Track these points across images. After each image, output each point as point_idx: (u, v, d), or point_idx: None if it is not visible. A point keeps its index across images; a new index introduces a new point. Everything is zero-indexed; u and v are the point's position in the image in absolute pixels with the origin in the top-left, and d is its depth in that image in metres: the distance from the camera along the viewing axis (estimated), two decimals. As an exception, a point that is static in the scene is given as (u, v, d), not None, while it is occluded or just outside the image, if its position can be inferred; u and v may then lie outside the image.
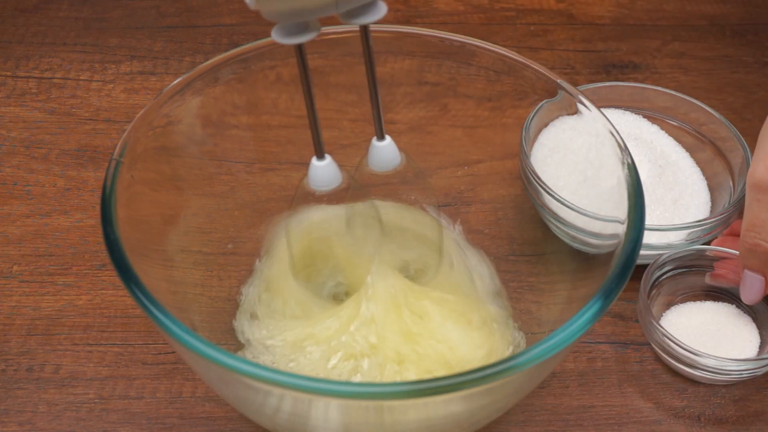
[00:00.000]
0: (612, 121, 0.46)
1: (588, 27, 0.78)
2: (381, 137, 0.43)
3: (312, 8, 0.35)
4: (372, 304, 0.47)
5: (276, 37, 0.37)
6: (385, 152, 0.44)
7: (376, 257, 0.48)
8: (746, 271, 0.50)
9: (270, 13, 0.35)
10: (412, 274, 0.52)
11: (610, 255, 0.41)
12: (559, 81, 0.48)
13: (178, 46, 0.74)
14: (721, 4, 0.80)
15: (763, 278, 0.49)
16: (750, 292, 0.50)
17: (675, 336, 0.49)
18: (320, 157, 0.42)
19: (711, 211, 0.56)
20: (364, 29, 0.39)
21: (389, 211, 0.52)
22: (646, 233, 0.41)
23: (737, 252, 0.50)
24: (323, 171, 0.43)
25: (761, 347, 0.51)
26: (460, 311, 0.49)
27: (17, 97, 0.68)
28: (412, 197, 0.53)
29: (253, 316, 0.50)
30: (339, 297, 0.51)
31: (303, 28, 0.36)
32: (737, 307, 0.53)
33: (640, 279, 0.52)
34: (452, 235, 0.54)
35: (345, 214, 0.49)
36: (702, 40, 0.76)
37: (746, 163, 0.55)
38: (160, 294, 0.39)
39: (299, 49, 0.38)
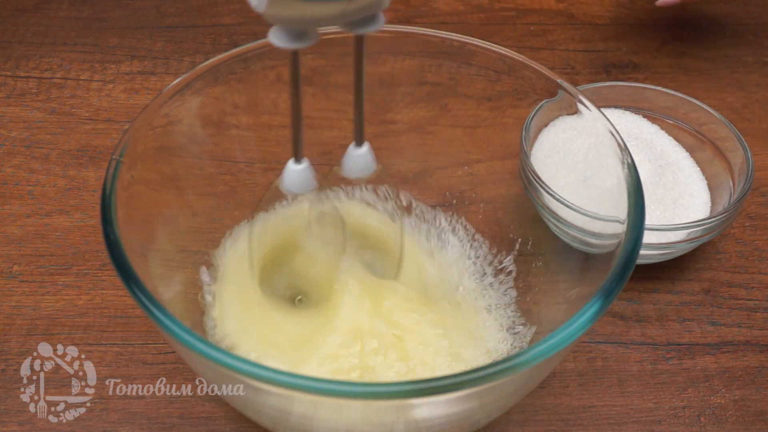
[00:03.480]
0: (612, 121, 0.46)
1: (588, 27, 0.78)
2: (360, 143, 0.43)
3: (318, 17, 0.35)
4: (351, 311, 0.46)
5: (274, 40, 0.36)
6: (362, 160, 0.43)
7: (342, 258, 0.48)
8: None
9: (274, 17, 0.35)
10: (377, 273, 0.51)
11: (610, 255, 0.41)
12: (559, 81, 0.49)
13: (178, 46, 0.74)
14: (721, 4, 0.80)
15: None
16: None
17: None
18: (298, 160, 0.42)
19: (711, 211, 0.56)
20: (359, 37, 0.39)
21: (352, 210, 0.52)
22: (646, 233, 0.41)
23: None
24: (299, 175, 0.42)
25: None
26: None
27: (17, 97, 0.68)
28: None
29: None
30: (295, 298, 0.51)
31: (302, 34, 0.36)
32: None
33: (640, 279, 0.51)
34: (415, 237, 0.54)
35: (308, 216, 0.48)
36: (702, 40, 0.76)
37: (746, 163, 0.55)
38: (160, 294, 0.39)
39: (295, 54, 0.38)
